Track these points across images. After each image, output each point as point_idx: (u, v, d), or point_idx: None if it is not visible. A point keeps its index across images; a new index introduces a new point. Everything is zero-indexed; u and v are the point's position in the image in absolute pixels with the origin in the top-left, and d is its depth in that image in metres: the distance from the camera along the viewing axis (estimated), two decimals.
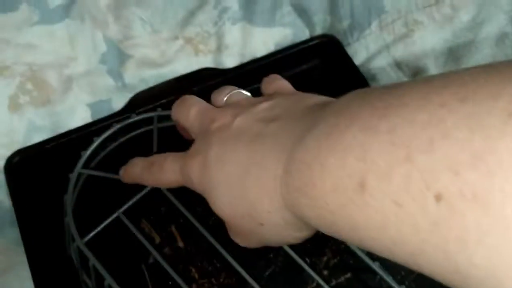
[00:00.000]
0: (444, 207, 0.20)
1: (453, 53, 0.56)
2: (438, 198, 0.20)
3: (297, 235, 0.33)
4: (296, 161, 0.28)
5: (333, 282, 0.46)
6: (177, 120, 0.40)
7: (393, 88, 0.25)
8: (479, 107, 0.20)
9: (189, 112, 0.38)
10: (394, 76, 0.58)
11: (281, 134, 0.31)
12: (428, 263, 0.22)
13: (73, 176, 0.42)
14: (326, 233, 0.28)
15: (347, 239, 0.27)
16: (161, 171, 0.38)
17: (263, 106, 0.34)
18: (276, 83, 0.39)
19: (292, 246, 0.42)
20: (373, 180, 0.23)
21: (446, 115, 0.21)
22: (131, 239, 0.45)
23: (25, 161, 0.52)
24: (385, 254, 0.24)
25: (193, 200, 0.44)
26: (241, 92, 0.38)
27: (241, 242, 0.37)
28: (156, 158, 0.39)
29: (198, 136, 0.36)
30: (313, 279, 0.47)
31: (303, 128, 0.29)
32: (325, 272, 0.47)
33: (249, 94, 0.39)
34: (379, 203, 0.23)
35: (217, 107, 0.39)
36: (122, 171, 0.41)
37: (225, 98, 0.38)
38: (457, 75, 0.22)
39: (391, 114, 0.23)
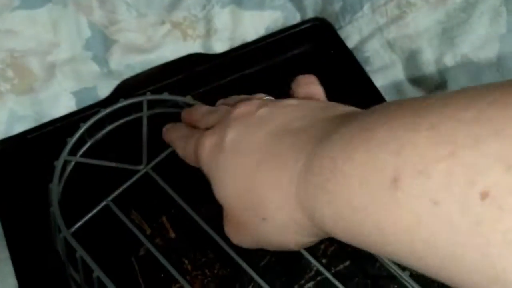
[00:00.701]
0: (490, 205, 0.18)
1: (447, 34, 0.55)
2: (484, 195, 0.19)
3: (299, 239, 0.31)
4: (319, 156, 0.26)
5: (332, 271, 0.45)
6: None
7: (433, 94, 0.24)
8: None
9: (209, 116, 0.37)
10: (388, 58, 0.57)
11: (306, 130, 0.29)
12: (462, 270, 0.20)
13: (58, 164, 0.40)
14: (340, 238, 0.26)
15: (365, 244, 0.25)
16: (188, 144, 0.37)
17: (291, 102, 0.33)
18: (310, 88, 0.37)
19: None
20: (409, 177, 0.21)
21: (495, 113, 0.19)
22: (120, 231, 0.43)
23: (7, 152, 0.50)
24: (411, 261, 0.22)
25: (185, 189, 0.43)
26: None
27: (235, 237, 0.35)
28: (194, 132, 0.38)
29: (218, 122, 0.35)
30: (310, 268, 0.46)
31: (331, 126, 0.27)
32: (324, 261, 0.46)
33: None
34: (413, 201, 0.21)
35: None
36: (166, 127, 0.41)
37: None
38: (507, 81, 0.21)
39: (434, 112, 0.22)
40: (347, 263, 0.46)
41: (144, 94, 0.44)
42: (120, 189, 0.40)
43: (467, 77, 0.53)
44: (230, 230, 0.34)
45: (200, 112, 0.39)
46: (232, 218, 0.33)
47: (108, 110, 0.42)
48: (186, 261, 0.46)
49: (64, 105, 0.52)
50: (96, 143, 0.44)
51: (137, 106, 0.44)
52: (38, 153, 0.50)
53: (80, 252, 0.37)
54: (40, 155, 0.49)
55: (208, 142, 0.33)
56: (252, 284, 0.45)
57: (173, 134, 0.40)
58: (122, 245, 0.46)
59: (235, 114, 0.33)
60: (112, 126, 0.44)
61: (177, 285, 0.45)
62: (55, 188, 0.39)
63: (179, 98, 0.43)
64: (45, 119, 0.51)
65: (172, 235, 0.47)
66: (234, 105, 0.35)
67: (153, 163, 0.42)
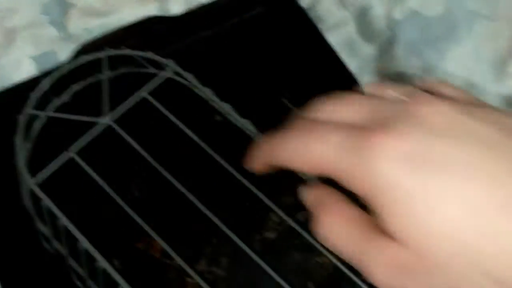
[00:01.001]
0: None
1: None
2: None
3: None
4: None
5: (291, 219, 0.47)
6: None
7: None
8: None
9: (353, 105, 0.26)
10: (340, 16, 0.58)
11: None
12: None
13: (22, 117, 0.40)
14: None
15: None
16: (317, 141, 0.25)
17: (487, 109, 0.24)
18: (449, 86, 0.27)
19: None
20: None
21: None
22: (84, 187, 0.44)
23: None
24: None
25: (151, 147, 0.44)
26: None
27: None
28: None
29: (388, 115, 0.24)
30: (272, 220, 0.48)
31: None
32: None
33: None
34: None
35: None
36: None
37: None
38: None
39: None
40: (304, 212, 0.48)
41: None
42: (82, 140, 0.40)
43: (416, 31, 0.55)
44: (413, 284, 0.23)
45: (333, 101, 0.27)
46: (426, 266, 0.22)
47: (70, 65, 0.42)
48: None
49: (25, 70, 0.53)
50: (63, 105, 0.44)
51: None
52: (1, 118, 0.50)
53: (46, 201, 0.37)
54: (2, 122, 0.49)
55: (392, 146, 0.22)
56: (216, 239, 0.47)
57: (285, 138, 0.27)
58: (88, 204, 0.47)
59: (419, 109, 0.23)
60: (78, 87, 0.44)
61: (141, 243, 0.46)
62: (20, 141, 0.39)
63: (140, 53, 0.44)
64: (6, 85, 0.52)
65: (137, 194, 0.49)
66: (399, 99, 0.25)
67: (117, 115, 0.42)
